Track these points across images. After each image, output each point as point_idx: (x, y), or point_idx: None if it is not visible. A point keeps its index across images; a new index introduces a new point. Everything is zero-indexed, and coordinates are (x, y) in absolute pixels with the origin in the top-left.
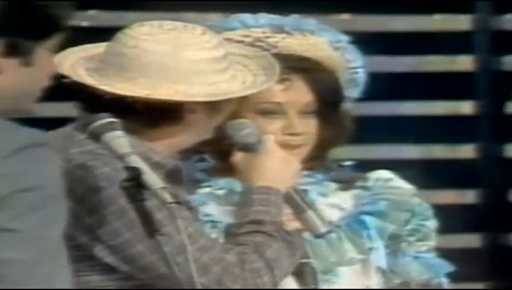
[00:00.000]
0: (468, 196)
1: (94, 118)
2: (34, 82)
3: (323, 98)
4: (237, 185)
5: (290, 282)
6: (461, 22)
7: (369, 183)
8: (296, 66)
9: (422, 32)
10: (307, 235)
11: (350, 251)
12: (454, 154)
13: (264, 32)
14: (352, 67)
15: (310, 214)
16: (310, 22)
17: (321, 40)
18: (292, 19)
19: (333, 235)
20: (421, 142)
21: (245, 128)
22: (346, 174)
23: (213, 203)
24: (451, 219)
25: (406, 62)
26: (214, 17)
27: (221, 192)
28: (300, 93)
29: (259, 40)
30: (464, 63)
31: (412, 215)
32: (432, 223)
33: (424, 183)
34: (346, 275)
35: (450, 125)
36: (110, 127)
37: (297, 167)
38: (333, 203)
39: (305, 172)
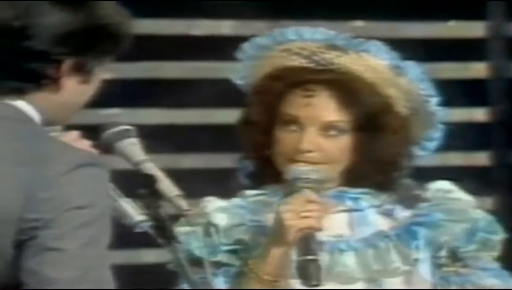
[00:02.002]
0: (484, 203)
1: (108, 126)
2: (86, 97)
3: (363, 119)
4: (286, 194)
5: (293, 278)
6: (475, 29)
7: (429, 194)
8: (336, 82)
9: (435, 39)
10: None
11: (396, 261)
12: (468, 162)
13: (319, 48)
14: (423, 95)
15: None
16: (371, 42)
17: (378, 62)
18: (348, 37)
19: (381, 243)
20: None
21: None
22: (409, 191)
23: (265, 211)
24: None
25: None
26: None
27: (272, 200)
28: (324, 111)
29: (315, 54)
30: (478, 69)
31: (475, 228)
32: (499, 236)
33: None
34: (390, 286)
35: (464, 132)
36: (124, 135)
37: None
38: (387, 212)
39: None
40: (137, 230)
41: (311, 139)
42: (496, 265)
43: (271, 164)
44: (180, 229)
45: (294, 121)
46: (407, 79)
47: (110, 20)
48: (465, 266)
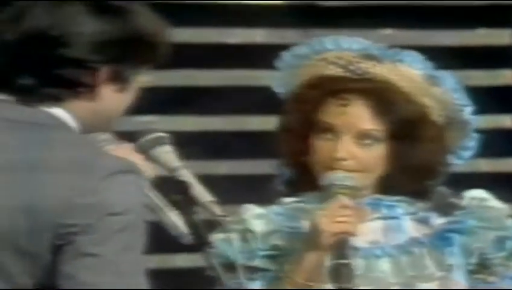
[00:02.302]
0: None
1: (144, 133)
2: (124, 105)
3: (398, 128)
4: (322, 200)
5: (327, 282)
6: (503, 37)
7: (464, 202)
8: (372, 91)
9: (463, 46)
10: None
11: (430, 266)
12: (498, 168)
13: (355, 57)
14: (457, 104)
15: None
16: (406, 52)
17: (413, 71)
18: (384, 47)
19: (415, 250)
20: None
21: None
22: (445, 199)
23: (302, 217)
24: None
25: None
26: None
27: (308, 207)
28: (359, 119)
29: (351, 63)
30: (506, 76)
31: (506, 236)
32: None
33: None
34: None
35: (493, 139)
36: (159, 142)
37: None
38: (422, 219)
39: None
40: (183, 241)
41: (346, 148)
42: None
43: (308, 171)
44: (218, 235)
45: (330, 129)
46: (442, 89)
47: (147, 29)
48: (493, 273)
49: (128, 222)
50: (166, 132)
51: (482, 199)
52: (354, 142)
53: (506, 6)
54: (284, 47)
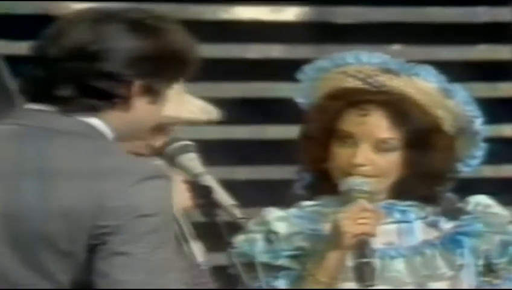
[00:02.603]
0: None
1: (170, 141)
2: (155, 117)
3: (413, 137)
4: (340, 204)
5: (347, 281)
6: (502, 52)
7: (469, 207)
8: (390, 103)
9: (466, 61)
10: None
11: (442, 266)
12: (498, 174)
13: (374, 71)
14: (469, 116)
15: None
16: (422, 67)
17: (428, 85)
18: (401, 61)
19: (427, 251)
20: None
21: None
22: (453, 205)
23: (321, 220)
24: None
25: None
26: None
27: (327, 210)
28: (377, 129)
29: (370, 76)
30: (506, 89)
31: (509, 242)
32: None
33: None
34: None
35: (494, 146)
36: (184, 150)
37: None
38: (432, 223)
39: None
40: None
41: (364, 155)
42: None
43: (327, 177)
44: (242, 236)
45: (349, 137)
46: (455, 101)
47: (178, 46)
48: (498, 276)
49: (158, 223)
50: (191, 140)
51: (487, 205)
52: (372, 150)
53: (505, 23)
54: (299, 61)
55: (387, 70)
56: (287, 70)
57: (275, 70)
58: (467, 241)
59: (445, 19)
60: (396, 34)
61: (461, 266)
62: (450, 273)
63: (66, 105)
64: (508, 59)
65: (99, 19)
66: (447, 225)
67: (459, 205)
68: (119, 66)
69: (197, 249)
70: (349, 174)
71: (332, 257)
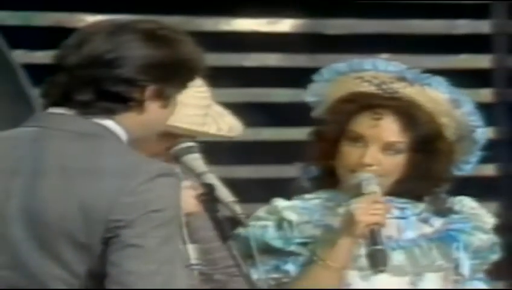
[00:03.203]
0: (489, 208)
1: (177, 142)
2: (165, 120)
3: (418, 141)
4: (343, 199)
5: (354, 269)
6: (482, 61)
7: (457, 207)
8: (401, 109)
9: (448, 69)
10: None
11: (439, 258)
12: (478, 173)
13: (389, 78)
14: (472, 125)
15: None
16: (435, 78)
17: (439, 95)
18: (417, 71)
19: (424, 244)
20: None
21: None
22: (444, 204)
23: (324, 213)
24: None
25: None
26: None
27: (330, 204)
28: (387, 132)
29: (384, 83)
30: (484, 95)
31: (483, 246)
32: (496, 256)
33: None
34: (431, 279)
35: None
36: (189, 150)
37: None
38: (425, 219)
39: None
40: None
41: (373, 155)
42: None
43: (331, 172)
44: (255, 223)
45: (360, 138)
46: (461, 111)
47: (187, 55)
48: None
49: (167, 218)
50: (195, 141)
51: (471, 207)
52: (380, 151)
53: (484, 35)
54: (294, 69)
55: (403, 79)
56: (283, 77)
57: (272, 78)
58: (461, 237)
59: (429, 30)
60: (384, 44)
61: (457, 260)
62: (446, 265)
63: (85, 108)
64: (487, 68)
65: (115, 30)
66: (437, 222)
67: (449, 203)
68: (133, 72)
69: (192, 252)
70: (356, 172)
71: (344, 244)
